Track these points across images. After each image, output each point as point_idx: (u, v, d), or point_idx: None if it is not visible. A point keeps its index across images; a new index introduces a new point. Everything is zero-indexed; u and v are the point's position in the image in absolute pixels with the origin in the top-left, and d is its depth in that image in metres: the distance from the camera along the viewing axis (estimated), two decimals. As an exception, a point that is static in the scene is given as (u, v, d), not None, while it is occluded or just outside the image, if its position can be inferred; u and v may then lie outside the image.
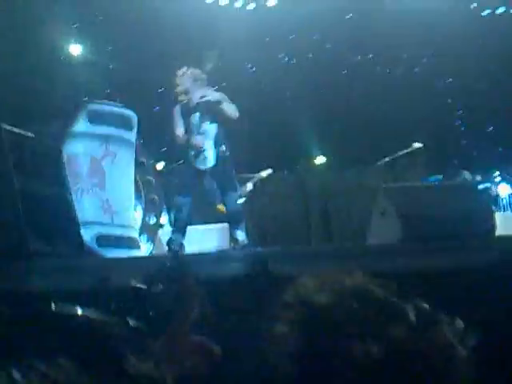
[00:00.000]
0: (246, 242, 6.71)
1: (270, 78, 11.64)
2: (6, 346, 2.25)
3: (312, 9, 10.60)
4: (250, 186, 9.02)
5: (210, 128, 6.70)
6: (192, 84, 6.79)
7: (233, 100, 6.91)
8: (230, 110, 6.71)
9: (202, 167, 6.67)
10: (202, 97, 6.71)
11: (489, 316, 3.32)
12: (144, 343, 1.80)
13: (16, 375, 0.84)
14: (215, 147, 6.66)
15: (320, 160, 10.97)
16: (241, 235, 6.72)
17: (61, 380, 0.84)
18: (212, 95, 6.76)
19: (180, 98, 6.82)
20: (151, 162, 8.05)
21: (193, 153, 6.66)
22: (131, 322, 2.03)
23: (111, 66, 10.54)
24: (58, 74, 9.80)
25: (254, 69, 11.86)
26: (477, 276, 3.71)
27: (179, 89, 6.82)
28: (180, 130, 6.73)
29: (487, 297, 3.52)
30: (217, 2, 10.64)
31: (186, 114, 6.76)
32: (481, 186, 9.09)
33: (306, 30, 11.06)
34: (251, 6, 11.00)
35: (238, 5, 10.95)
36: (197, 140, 6.62)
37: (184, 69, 6.85)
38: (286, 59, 11.87)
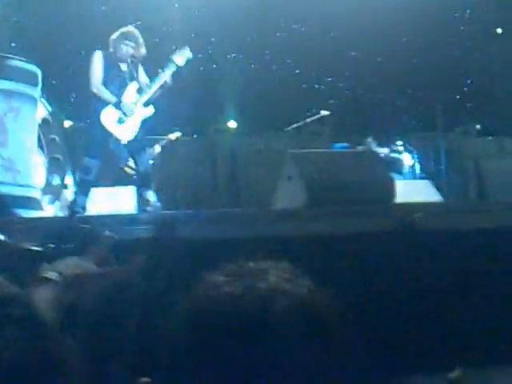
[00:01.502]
0: (158, 203, 6.65)
1: (182, 38, 11.49)
2: None
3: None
4: (158, 147, 8.96)
5: (146, 109, 6.57)
6: (140, 47, 6.58)
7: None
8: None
9: (121, 138, 6.49)
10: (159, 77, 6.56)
11: (374, 281, 3.45)
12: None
13: None
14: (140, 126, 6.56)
15: (231, 125, 10.98)
16: (152, 196, 6.66)
17: None
18: (168, 82, 6.63)
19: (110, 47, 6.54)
20: (56, 119, 7.81)
21: (117, 117, 6.42)
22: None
23: (15, 19, 10.12)
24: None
25: (165, 28, 11.67)
26: (372, 241, 3.84)
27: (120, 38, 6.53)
28: (97, 79, 6.46)
29: (380, 262, 3.66)
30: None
31: (111, 67, 6.50)
32: (393, 155, 9.38)
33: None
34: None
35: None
36: (131, 110, 6.44)
37: (134, 30, 6.63)
38: (200, 21, 11.74)
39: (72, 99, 10.31)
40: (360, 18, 10.83)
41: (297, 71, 11.56)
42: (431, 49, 11.32)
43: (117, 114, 6.48)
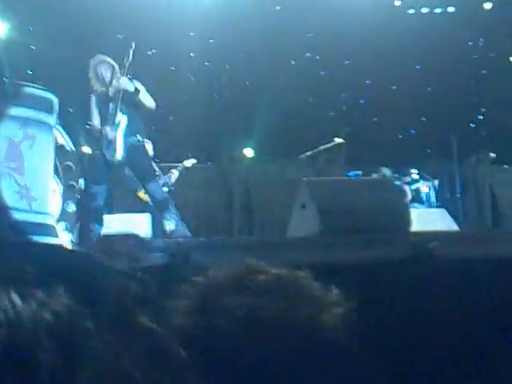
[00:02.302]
0: (175, 231, 6.67)
1: (196, 69, 11.59)
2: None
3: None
4: (175, 175, 9.00)
5: (122, 119, 6.66)
6: (111, 74, 6.71)
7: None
8: (147, 100, 6.69)
9: (111, 158, 6.63)
10: (118, 86, 6.65)
11: (393, 310, 3.42)
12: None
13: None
14: (125, 138, 6.64)
15: (248, 153, 11.01)
16: (168, 224, 6.69)
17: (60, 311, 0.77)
18: (129, 85, 6.69)
19: (95, 87, 6.75)
20: (72, 146, 7.88)
21: (105, 144, 6.64)
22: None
23: (33, 47, 10.26)
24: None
25: (180, 57, 11.78)
26: (389, 269, 3.81)
27: (95, 77, 6.73)
28: (96, 120, 6.73)
29: (396, 291, 3.63)
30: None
31: (103, 103, 6.71)
32: (414, 186, 9.37)
33: (235, 22, 11.07)
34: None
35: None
36: (106, 131, 6.61)
37: (101, 57, 6.76)
38: (214, 49, 11.85)
39: (88, 126, 10.40)
40: (374, 46, 10.88)
41: (311, 99, 11.59)
42: (445, 77, 11.34)
43: (104, 141, 6.60)
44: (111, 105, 6.70)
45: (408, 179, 9.75)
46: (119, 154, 6.65)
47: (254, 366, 0.93)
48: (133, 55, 6.70)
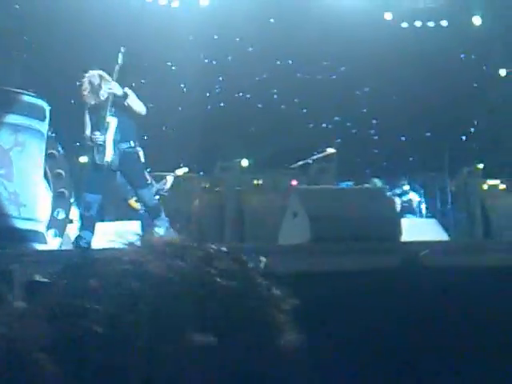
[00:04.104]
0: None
1: (190, 78, 11.61)
2: None
3: (237, 11, 10.67)
4: (170, 182, 8.99)
5: (111, 121, 6.67)
6: (100, 82, 6.73)
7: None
8: (136, 104, 6.71)
9: (100, 162, 6.63)
10: (108, 90, 6.67)
11: (383, 317, 3.41)
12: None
13: None
14: (116, 144, 6.64)
15: (243, 163, 11.01)
16: (159, 231, 6.68)
17: None
18: (117, 89, 6.71)
19: (88, 100, 6.76)
20: (62, 153, 7.88)
21: (95, 149, 6.64)
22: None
23: (25, 56, 10.27)
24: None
25: (174, 68, 11.80)
26: (377, 279, 3.81)
27: (88, 88, 6.74)
28: (88, 130, 6.75)
29: (387, 298, 3.62)
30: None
31: (93, 112, 6.73)
32: (405, 197, 9.39)
33: (228, 32, 11.11)
34: (175, 3, 10.97)
35: (162, 2, 10.90)
36: (95, 136, 6.61)
37: (94, 71, 6.80)
38: (207, 60, 11.87)
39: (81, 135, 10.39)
40: (367, 59, 10.93)
41: (303, 110, 11.63)
42: (438, 90, 11.39)
43: (96, 148, 6.63)
44: (102, 111, 6.71)
45: (398, 191, 9.79)
46: (109, 157, 6.64)
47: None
48: (122, 59, 6.72)
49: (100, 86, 6.74)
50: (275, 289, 0.93)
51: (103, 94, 6.72)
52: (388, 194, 7.93)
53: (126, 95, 6.66)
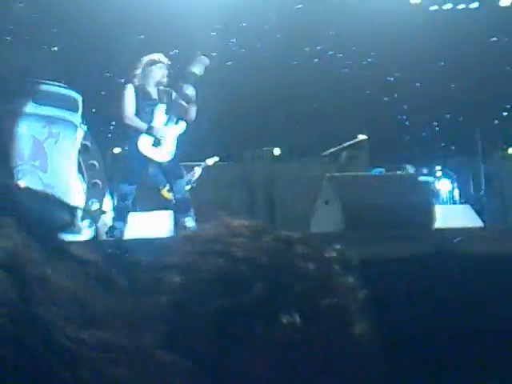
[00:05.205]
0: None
1: (219, 67, 11.61)
2: None
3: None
4: (198, 172, 9.01)
5: (177, 126, 6.69)
6: (162, 74, 6.72)
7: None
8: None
9: (160, 160, 6.63)
10: (181, 92, 6.66)
11: (419, 305, 3.40)
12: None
13: None
14: (176, 144, 6.67)
15: (276, 151, 10.99)
16: (190, 222, 6.70)
17: None
18: (192, 95, 6.71)
19: (137, 82, 6.68)
20: (95, 144, 7.94)
21: (151, 141, 6.57)
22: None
23: (57, 47, 10.35)
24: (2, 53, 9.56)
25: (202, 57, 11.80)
26: (412, 266, 3.79)
27: (144, 74, 6.68)
28: (130, 111, 6.60)
29: (421, 286, 3.61)
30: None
31: (143, 99, 6.65)
32: (421, 179, 9.29)
33: (256, 20, 11.08)
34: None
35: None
36: (157, 127, 6.57)
37: (156, 56, 6.75)
38: (236, 48, 11.85)
39: (111, 127, 10.48)
40: (397, 43, 10.82)
41: (333, 97, 11.56)
42: (469, 74, 11.24)
43: (150, 139, 6.59)
44: (162, 106, 6.65)
45: (431, 177, 9.69)
46: (169, 157, 6.64)
47: None
48: (203, 68, 6.73)
49: (161, 76, 6.72)
50: (350, 277, 0.94)
51: (174, 91, 6.72)
52: (420, 180, 7.87)
53: (194, 102, 6.71)
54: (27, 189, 1.13)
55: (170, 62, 6.81)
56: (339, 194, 5.03)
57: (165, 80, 6.75)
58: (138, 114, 6.61)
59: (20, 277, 0.76)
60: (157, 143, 6.60)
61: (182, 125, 6.76)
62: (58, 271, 0.80)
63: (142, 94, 6.66)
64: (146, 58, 6.72)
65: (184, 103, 6.76)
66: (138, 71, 6.69)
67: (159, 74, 6.69)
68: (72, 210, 1.03)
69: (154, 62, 6.70)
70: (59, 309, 0.76)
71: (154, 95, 6.71)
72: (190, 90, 6.75)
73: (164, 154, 6.65)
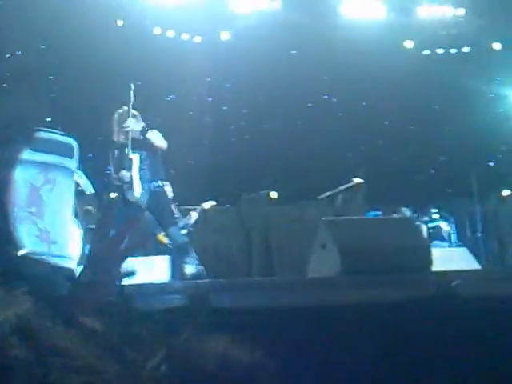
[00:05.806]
0: (195, 275, 6.63)
1: (213, 113, 11.70)
2: None
3: (257, 44, 10.77)
4: (194, 216, 9.01)
5: (134, 157, 6.74)
6: (125, 119, 6.80)
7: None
8: (157, 139, 6.75)
9: (131, 198, 6.68)
10: (125, 127, 6.73)
11: (419, 349, 3.37)
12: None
13: None
14: (141, 179, 6.70)
15: (273, 195, 11.00)
16: (188, 268, 6.66)
17: None
18: (135, 125, 6.77)
19: (116, 137, 6.82)
20: (92, 190, 7.96)
21: (124, 187, 6.69)
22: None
23: (53, 95, 10.44)
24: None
25: (198, 101, 11.90)
26: (410, 310, 3.76)
27: (115, 126, 6.81)
28: (113, 168, 6.80)
29: (418, 331, 3.58)
30: (164, 34, 10.72)
31: (119, 150, 6.80)
32: (432, 224, 9.30)
33: (251, 64, 11.20)
34: (198, 38, 11.10)
35: (184, 37, 11.04)
36: (122, 174, 6.68)
37: (124, 108, 6.86)
38: (231, 94, 11.96)
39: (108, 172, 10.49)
40: (391, 88, 10.94)
41: (329, 140, 11.62)
42: (464, 116, 11.34)
43: (123, 184, 6.75)
44: (125, 148, 6.79)
45: (427, 219, 9.69)
46: (137, 193, 6.70)
47: None
48: (134, 96, 6.78)
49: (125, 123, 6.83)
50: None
51: (122, 130, 6.80)
52: (417, 223, 7.87)
53: (145, 130, 6.73)
54: (27, 258, 1.17)
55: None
56: (335, 237, 5.02)
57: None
58: (119, 167, 6.78)
59: (34, 343, 0.78)
60: (128, 187, 6.71)
61: (136, 157, 6.82)
62: (69, 339, 0.82)
63: (118, 149, 6.85)
64: (117, 114, 6.87)
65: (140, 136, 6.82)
66: (112, 124, 6.86)
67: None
68: (69, 273, 1.06)
69: (123, 114, 6.85)
70: (75, 375, 0.77)
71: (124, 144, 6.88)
72: (130, 121, 6.79)
73: (132, 192, 6.73)
